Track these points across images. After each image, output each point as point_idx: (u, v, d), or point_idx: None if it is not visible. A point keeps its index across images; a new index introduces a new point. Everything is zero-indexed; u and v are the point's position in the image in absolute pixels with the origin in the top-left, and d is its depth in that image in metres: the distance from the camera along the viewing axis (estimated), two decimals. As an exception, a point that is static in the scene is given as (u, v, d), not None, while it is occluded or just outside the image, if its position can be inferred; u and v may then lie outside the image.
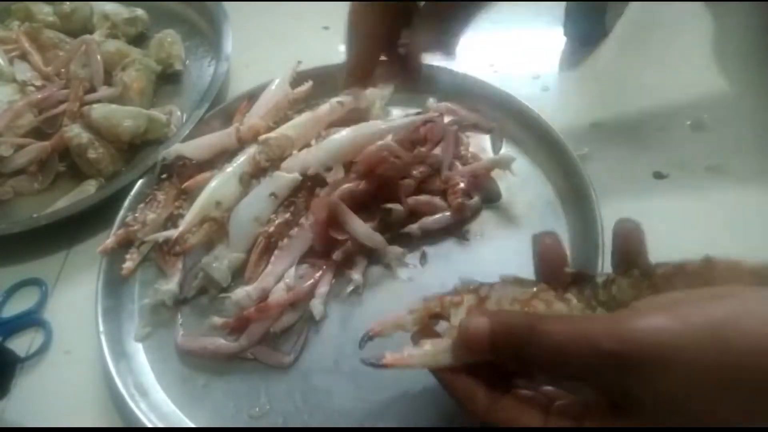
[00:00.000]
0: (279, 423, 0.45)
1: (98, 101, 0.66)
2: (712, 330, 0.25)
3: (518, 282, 0.33)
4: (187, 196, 0.57)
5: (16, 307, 0.56)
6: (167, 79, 0.75)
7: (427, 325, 0.34)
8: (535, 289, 0.32)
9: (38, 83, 0.71)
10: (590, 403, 0.29)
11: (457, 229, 0.54)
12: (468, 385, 0.31)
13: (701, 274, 0.29)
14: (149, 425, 0.45)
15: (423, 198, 0.54)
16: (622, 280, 0.31)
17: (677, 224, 0.52)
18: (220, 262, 0.52)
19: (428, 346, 0.32)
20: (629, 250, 0.32)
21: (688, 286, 0.29)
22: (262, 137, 0.55)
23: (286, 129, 0.56)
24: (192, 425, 0.46)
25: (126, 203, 0.58)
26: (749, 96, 0.62)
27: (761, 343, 0.24)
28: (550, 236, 0.34)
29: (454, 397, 0.32)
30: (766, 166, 0.55)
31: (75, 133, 0.63)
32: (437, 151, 0.57)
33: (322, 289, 0.51)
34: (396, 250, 0.52)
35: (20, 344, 0.54)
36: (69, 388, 0.51)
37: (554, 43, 0.71)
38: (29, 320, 0.55)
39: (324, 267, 0.52)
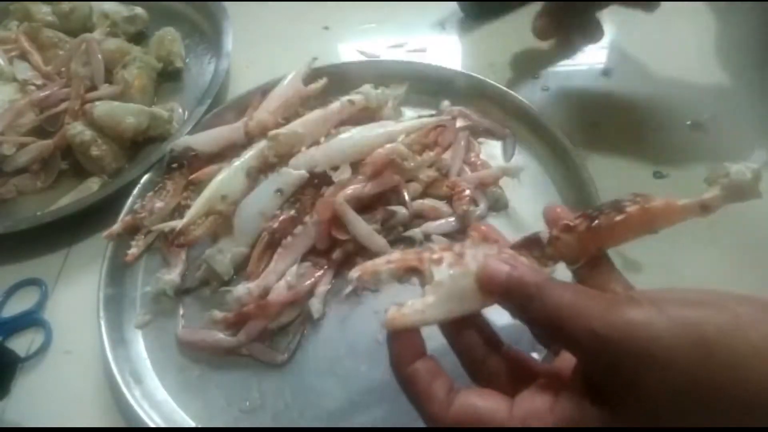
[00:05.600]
0: (268, 419, 0.46)
1: (100, 99, 0.66)
2: (699, 336, 0.25)
3: (485, 240, 0.34)
4: (195, 187, 0.58)
5: (16, 307, 0.56)
6: (168, 77, 0.75)
7: (401, 278, 0.33)
8: (496, 248, 0.33)
9: (39, 82, 0.71)
10: (564, 382, 0.30)
11: (460, 235, 0.54)
12: (426, 383, 0.31)
13: (639, 216, 0.32)
14: (141, 413, 0.45)
15: (428, 202, 0.55)
16: (566, 236, 0.33)
17: (677, 224, 0.52)
18: (224, 255, 0.52)
19: (419, 305, 0.31)
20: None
21: (629, 231, 0.33)
22: (272, 132, 0.55)
23: (296, 125, 0.56)
24: (184, 415, 0.47)
25: (129, 200, 0.58)
26: (749, 96, 0.62)
27: (743, 362, 0.25)
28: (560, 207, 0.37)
29: (411, 396, 0.32)
30: (766, 166, 0.55)
31: (78, 130, 0.63)
32: (447, 155, 0.57)
33: (322, 288, 0.51)
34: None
35: (20, 344, 0.54)
36: (69, 388, 0.51)
37: (554, 43, 0.71)
38: (29, 320, 0.55)
39: (325, 266, 0.52)
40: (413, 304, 0.31)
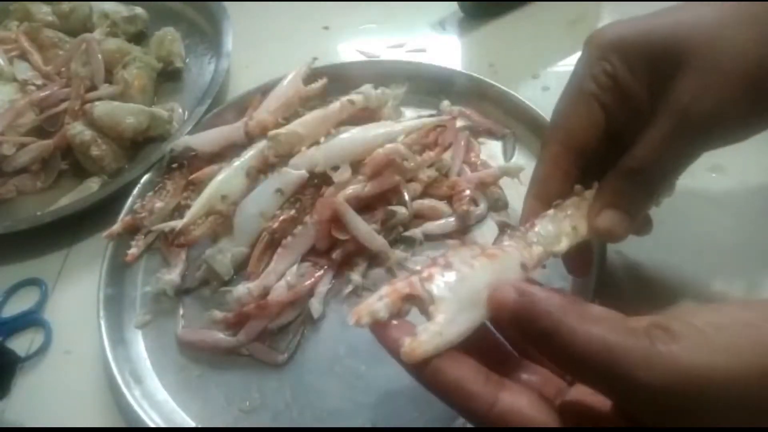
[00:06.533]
0: (268, 419, 0.46)
1: (99, 99, 0.66)
2: (762, 366, 0.22)
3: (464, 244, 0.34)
4: (195, 187, 0.58)
5: (16, 307, 0.56)
6: (168, 77, 0.75)
7: (400, 309, 0.30)
8: (478, 248, 0.31)
9: (38, 82, 0.71)
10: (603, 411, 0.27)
11: (460, 235, 0.54)
12: (458, 379, 0.27)
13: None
14: (141, 413, 0.45)
15: (428, 202, 0.54)
16: (541, 221, 0.34)
17: (677, 224, 0.52)
18: (224, 255, 0.52)
19: (434, 327, 0.28)
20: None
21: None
22: (272, 132, 0.55)
23: (296, 125, 0.56)
24: (184, 415, 0.47)
25: (129, 200, 0.58)
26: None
27: None
28: None
29: (445, 396, 0.27)
30: (766, 166, 0.55)
31: (78, 130, 0.63)
32: (447, 155, 0.57)
33: (322, 288, 0.51)
34: (398, 254, 0.52)
35: (20, 344, 0.54)
36: (69, 388, 0.51)
37: (554, 42, 0.71)
38: (29, 320, 0.55)
39: (325, 266, 0.52)
40: (426, 328, 0.28)
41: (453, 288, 0.29)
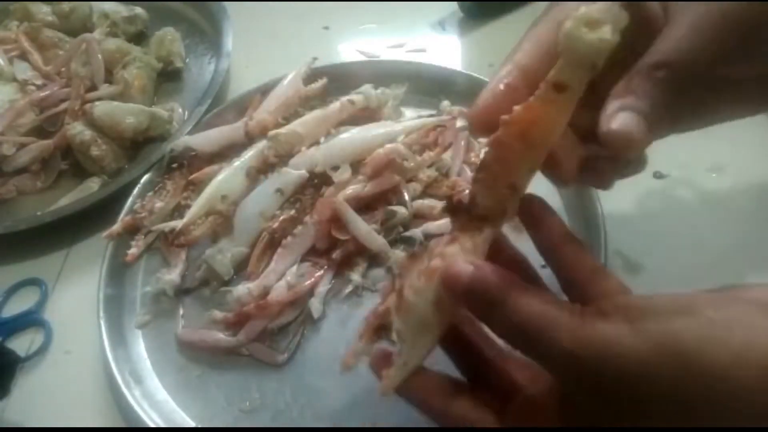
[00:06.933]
0: (268, 419, 0.46)
1: (100, 99, 0.66)
2: (676, 351, 0.24)
3: (412, 255, 0.33)
4: (195, 187, 0.58)
5: (16, 307, 0.56)
6: (168, 77, 0.75)
7: (371, 338, 0.35)
8: (426, 259, 0.32)
9: (38, 82, 0.71)
10: (540, 400, 0.30)
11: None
12: (426, 388, 0.32)
13: (515, 126, 0.28)
14: (141, 413, 0.45)
15: (428, 202, 0.54)
16: (477, 189, 0.31)
17: (677, 224, 0.52)
18: (224, 255, 0.52)
19: (398, 360, 0.32)
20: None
21: (514, 152, 0.28)
22: (272, 132, 0.55)
23: (296, 125, 0.56)
24: (183, 415, 0.47)
25: (129, 200, 0.58)
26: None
27: (723, 374, 0.23)
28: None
29: (411, 398, 0.33)
30: (767, 166, 0.56)
31: (78, 130, 0.63)
32: (447, 155, 0.57)
33: (322, 288, 0.51)
34: (398, 254, 0.52)
35: (20, 344, 0.54)
36: (69, 388, 0.51)
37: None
38: (29, 320, 0.55)
39: (325, 266, 0.52)
40: (395, 361, 0.32)
41: (405, 320, 0.31)
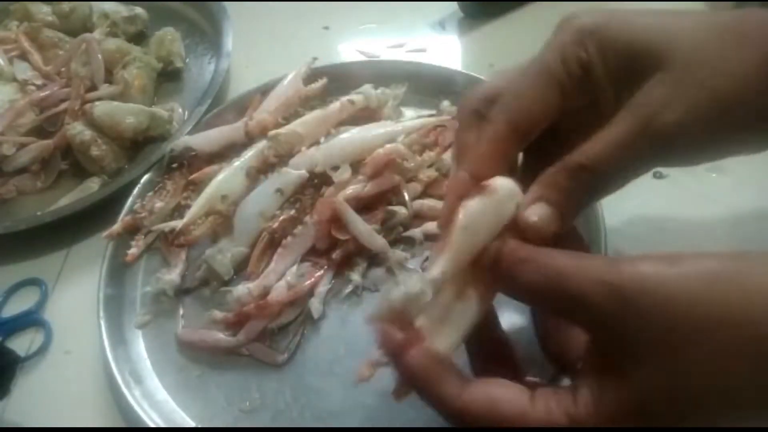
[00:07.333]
0: (268, 419, 0.46)
1: (99, 99, 0.66)
2: (712, 278, 0.25)
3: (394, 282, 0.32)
4: (195, 187, 0.58)
5: (16, 307, 0.56)
6: (168, 77, 0.75)
7: None
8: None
9: (38, 82, 0.71)
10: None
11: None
12: (436, 370, 0.29)
13: None
14: (141, 413, 0.45)
15: (428, 202, 0.54)
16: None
17: (677, 224, 0.52)
18: (224, 255, 0.52)
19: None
20: None
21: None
22: (272, 132, 0.55)
23: (296, 125, 0.56)
24: (183, 415, 0.47)
25: (129, 200, 0.58)
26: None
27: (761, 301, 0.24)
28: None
29: (419, 386, 0.29)
30: (766, 166, 0.55)
31: (78, 130, 0.63)
32: (447, 155, 0.57)
33: (322, 288, 0.51)
34: (398, 254, 0.52)
35: (20, 344, 0.54)
36: (69, 388, 0.51)
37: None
38: (29, 320, 0.55)
39: (325, 266, 0.52)
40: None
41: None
